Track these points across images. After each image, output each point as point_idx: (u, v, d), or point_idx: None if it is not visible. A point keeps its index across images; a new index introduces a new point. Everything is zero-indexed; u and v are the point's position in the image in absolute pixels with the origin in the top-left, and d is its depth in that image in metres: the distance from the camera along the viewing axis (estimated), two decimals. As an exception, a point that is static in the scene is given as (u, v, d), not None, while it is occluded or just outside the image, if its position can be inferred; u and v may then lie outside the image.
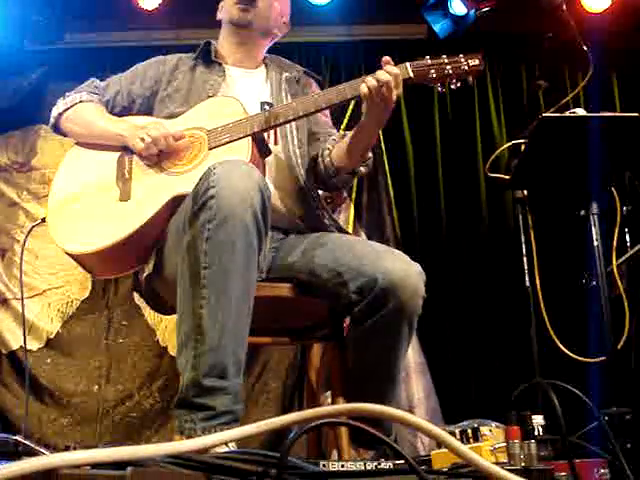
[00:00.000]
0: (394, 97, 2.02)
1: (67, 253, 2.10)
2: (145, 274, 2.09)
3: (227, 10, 2.41)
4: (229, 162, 1.83)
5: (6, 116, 4.43)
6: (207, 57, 2.41)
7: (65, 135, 2.38)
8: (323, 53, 4.53)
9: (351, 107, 4.15)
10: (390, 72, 2.01)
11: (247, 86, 2.39)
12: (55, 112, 2.37)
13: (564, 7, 2.95)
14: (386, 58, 2.05)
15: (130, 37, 4.52)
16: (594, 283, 2.77)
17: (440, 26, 4.18)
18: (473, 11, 4.05)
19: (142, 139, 2.13)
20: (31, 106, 4.41)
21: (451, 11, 4.14)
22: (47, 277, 4.21)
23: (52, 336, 4.12)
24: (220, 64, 2.39)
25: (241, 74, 2.42)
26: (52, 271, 4.20)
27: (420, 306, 1.98)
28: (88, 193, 2.16)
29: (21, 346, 3.97)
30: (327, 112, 2.43)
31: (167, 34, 4.48)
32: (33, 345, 4.07)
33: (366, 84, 2.02)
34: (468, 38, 4.13)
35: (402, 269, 1.96)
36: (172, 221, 2.01)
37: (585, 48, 2.92)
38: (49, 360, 4.08)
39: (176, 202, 2.01)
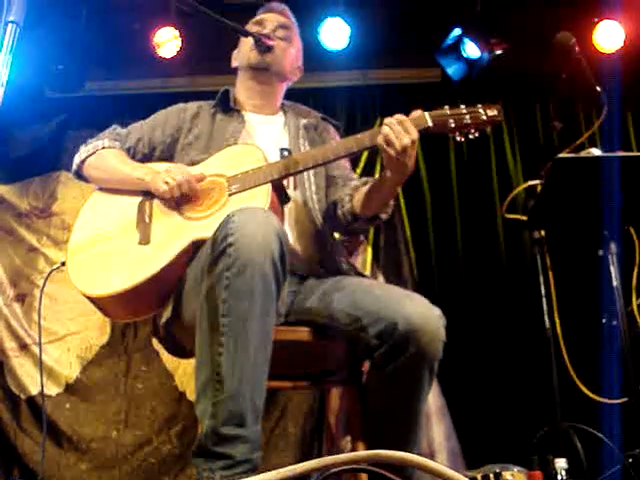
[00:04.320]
0: (410, 153, 1.99)
1: (85, 295, 2.11)
2: (163, 320, 2.10)
3: (244, 55, 2.45)
4: (247, 210, 1.83)
5: (27, 163, 4.51)
6: (226, 105, 2.44)
7: (87, 181, 2.41)
8: (339, 98, 4.56)
9: (366, 153, 4.19)
10: (406, 129, 1.98)
11: (266, 133, 2.41)
12: (77, 159, 2.40)
13: (577, 48, 2.97)
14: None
15: (148, 85, 4.60)
16: (614, 323, 2.74)
17: (454, 69, 4.22)
18: (486, 54, 4.09)
19: (166, 182, 2.15)
20: (51, 153, 4.50)
21: (464, 54, 4.17)
22: (66, 322, 4.22)
23: (71, 381, 4.13)
24: (239, 111, 2.42)
25: (260, 121, 2.44)
26: (71, 316, 4.21)
27: (441, 350, 1.95)
28: (108, 237, 2.18)
29: (40, 391, 3.97)
30: None
31: (184, 81, 4.56)
32: (52, 390, 4.08)
33: (382, 135, 1.99)
34: (482, 81, 4.17)
35: (421, 313, 1.94)
36: (190, 267, 2.02)
37: (598, 88, 2.92)
38: (68, 405, 4.07)
39: (195, 247, 2.02)
